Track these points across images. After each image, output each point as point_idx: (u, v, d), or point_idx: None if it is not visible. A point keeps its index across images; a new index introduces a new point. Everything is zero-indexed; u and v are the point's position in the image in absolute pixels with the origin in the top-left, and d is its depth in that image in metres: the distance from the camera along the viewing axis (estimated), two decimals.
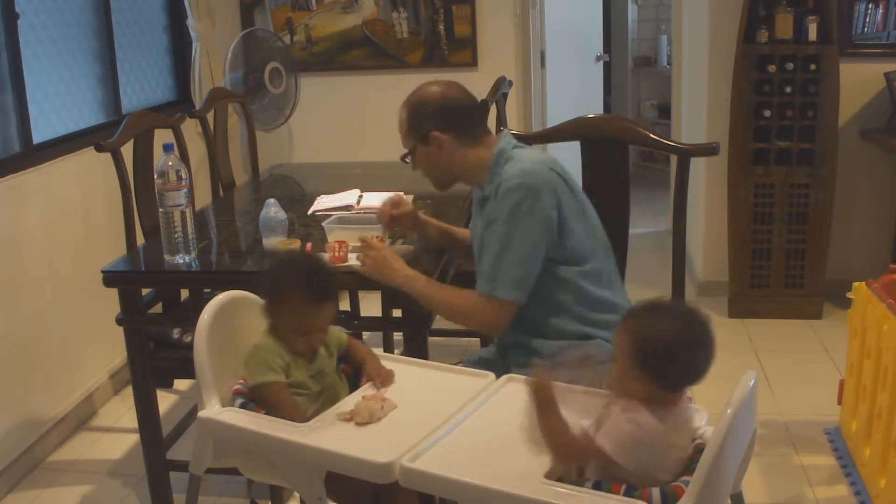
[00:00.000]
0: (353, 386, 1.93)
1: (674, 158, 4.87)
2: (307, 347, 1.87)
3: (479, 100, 2.20)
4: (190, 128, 3.66)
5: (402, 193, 2.47)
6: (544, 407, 1.51)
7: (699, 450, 1.52)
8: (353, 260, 2.27)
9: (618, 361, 1.54)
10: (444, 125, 2.09)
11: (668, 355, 1.49)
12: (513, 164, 2.05)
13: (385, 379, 1.89)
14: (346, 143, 4.63)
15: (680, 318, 1.52)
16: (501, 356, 2.22)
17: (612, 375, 1.56)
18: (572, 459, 1.51)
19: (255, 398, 1.83)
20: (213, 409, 1.81)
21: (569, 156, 2.50)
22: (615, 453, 1.45)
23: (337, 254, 2.32)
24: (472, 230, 2.29)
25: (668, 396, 1.51)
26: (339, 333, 1.98)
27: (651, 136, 2.38)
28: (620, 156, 2.43)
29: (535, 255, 2.01)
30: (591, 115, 2.54)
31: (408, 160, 2.17)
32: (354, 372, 1.98)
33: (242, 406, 1.81)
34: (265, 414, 1.78)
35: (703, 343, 1.51)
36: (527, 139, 2.48)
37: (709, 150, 2.33)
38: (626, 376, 1.52)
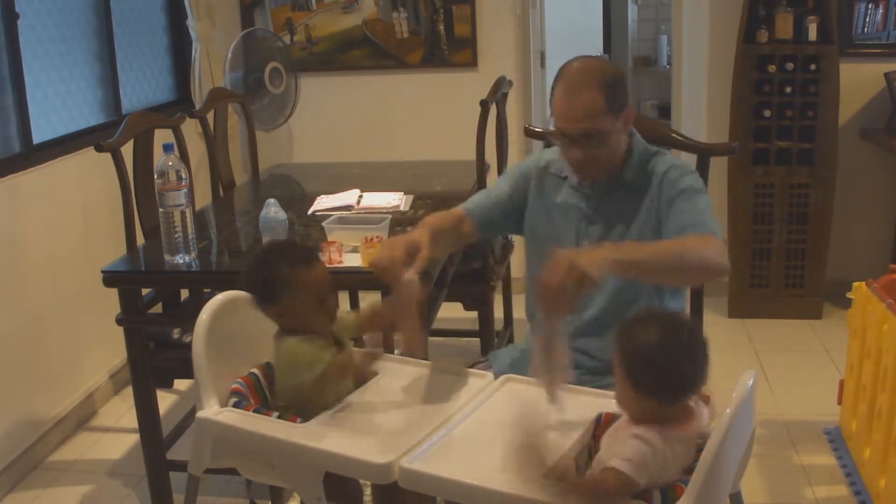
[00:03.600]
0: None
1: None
2: (329, 315, 1.84)
3: None
4: (190, 128, 3.66)
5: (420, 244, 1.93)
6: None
7: (699, 449, 1.52)
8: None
9: (616, 379, 1.52)
10: (628, 97, 1.96)
11: (652, 366, 1.46)
12: (665, 157, 2.01)
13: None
14: (346, 143, 4.63)
15: (662, 327, 1.49)
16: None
17: (616, 392, 1.54)
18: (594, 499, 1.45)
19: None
20: (212, 410, 1.81)
21: None
22: (632, 473, 1.42)
23: (330, 256, 2.32)
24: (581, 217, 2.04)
25: (672, 411, 1.49)
26: (348, 317, 1.94)
27: (673, 134, 2.39)
28: None
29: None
30: None
31: (589, 143, 1.91)
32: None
33: (236, 405, 1.81)
34: (264, 414, 1.78)
35: (689, 349, 1.48)
36: (543, 135, 2.48)
37: (729, 150, 2.36)
38: (626, 394, 1.50)
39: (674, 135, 2.40)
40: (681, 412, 1.51)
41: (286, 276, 1.81)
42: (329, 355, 1.79)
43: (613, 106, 1.90)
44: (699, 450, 1.47)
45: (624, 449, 1.46)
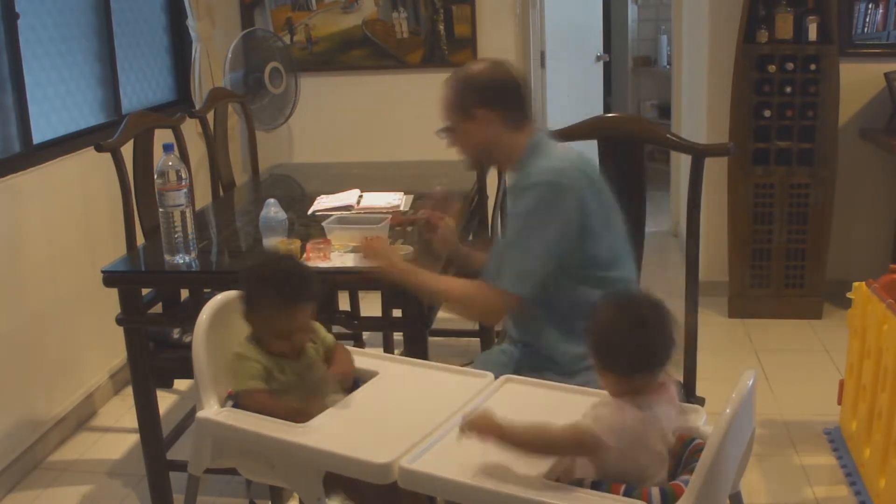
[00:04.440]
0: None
1: (675, 158, 4.84)
2: (290, 349, 1.86)
3: (526, 82, 2.17)
4: (190, 128, 3.66)
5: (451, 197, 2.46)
6: (498, 434, 1.51)
7: (699, 449, 1.53)
8: (345, 260, 2.27)
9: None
10: (491, 103, 2.05)
11: (611, 342, 1.53)
12: (544, 159, 2.04)
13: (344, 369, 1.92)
14: (346, 143, 4.63)
15: (617, 306, 1.57)
16: (516, 350, 2.21)
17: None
18: (561, 450, 1.51)
19: (240, 405, 1.83)
20: (212, 410, 1.81)
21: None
22: (603, 434, 1.46)
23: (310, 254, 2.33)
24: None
25: (643, 385, 1.52)
26: (325, 333, 1.97)
27: (667, 135, 2.40)
28: (636, 155, 2.44)
29: (547, 255, 1.99)
30: (610, 115, 2.55)
31: (444, 135, 2.14)
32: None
33: (235, 406, 1.82)
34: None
35: (648, 323, 1.52)
36: (553, 136, 2.48)
37: (723, 150, 2.37)
38: (602, 377, 1.56)
39: (669, 136, 2.40)
40: (650, 385, 1.53)
41: (266, 303, 1.83)
42: (250, 385, 1.80)
43: (459, 104, 2.07)
44: (699, 450, 1.47)
45: (595, 411, 1.50)
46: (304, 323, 1.87)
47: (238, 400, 1.83)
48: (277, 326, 1.83)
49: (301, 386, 1.86)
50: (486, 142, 2.08)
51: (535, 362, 2.11)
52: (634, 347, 1.51)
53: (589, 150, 2.45)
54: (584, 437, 1.47)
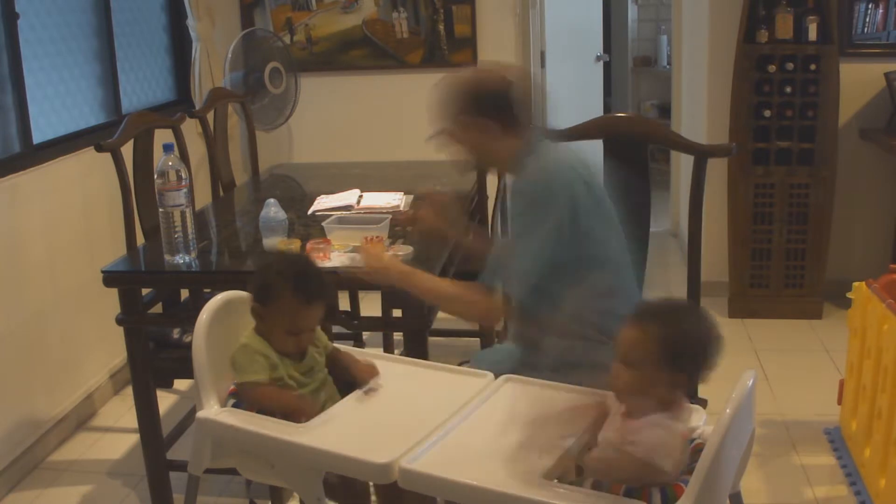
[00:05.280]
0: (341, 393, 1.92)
1: (675, 158, 4.84)
2: (295, 348, 1.87)
3: (519, 87, 2.13)
4: (190, 128, 3.66)
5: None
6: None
7: (698, 449, 1.53)
8: (342, 260, 2.28)
9: (639, 367, 1.51)
10: (476, 111, 2.06)
11: (701, 353, 1.51)
12: (534, 160, 2.04)
13: (371, 371, 1.90)
14: (346, 143, 4.63)
15: (699, 316, 1.56)
16: (515, 349, 2.23)
17: (627, 382, 1.52)
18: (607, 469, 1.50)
19: (241, 397, 1.83)
20: (212, 410, 1.81)
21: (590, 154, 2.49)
22: (660, 460, 1.45)
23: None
24: None
25: (679, 395, 1.52)
26: (325, 337, 1.97)
27: (671, 135, 2.40)
28: (641, 155, 2.45)
29: (539, 255, 1.99)
30: (616, 115, 2.56)
31: (434, 141, 2.17)
32: (344, 384, 1.97)
33: (235, 406, 1.82)
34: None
35: (719, 339, 1.54)
36: (550, 136, 2.48)
37: (726, 150, 2.38)
38: (652, 380, 1.50)
39: (672, 136, 2.40)
40: (684, 396, 1.54)
41: (282, 297, 1.83)
42: (253, 377, 1.80)
43: (445, 111, 2.12)
44: (699, 450, 1.47)
45: (642, 437, 1.46)
46: (314, 323, 1.88)
47: (240, 393, 1.83)
48: (290, 323, 1.84)
49: (302, 387, 1.86)
50: (475, 147, 2.10)
51: (532, 360, 2.11)
52: (714, 362, 1.52)
53: (593, 150, 2.46)
54: (652, 472, 1.45)
